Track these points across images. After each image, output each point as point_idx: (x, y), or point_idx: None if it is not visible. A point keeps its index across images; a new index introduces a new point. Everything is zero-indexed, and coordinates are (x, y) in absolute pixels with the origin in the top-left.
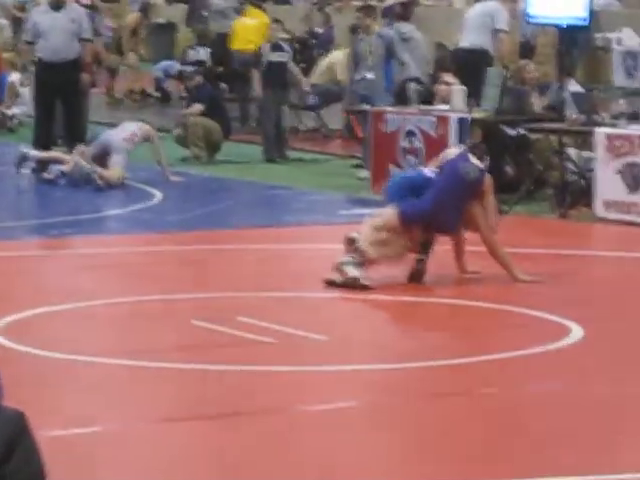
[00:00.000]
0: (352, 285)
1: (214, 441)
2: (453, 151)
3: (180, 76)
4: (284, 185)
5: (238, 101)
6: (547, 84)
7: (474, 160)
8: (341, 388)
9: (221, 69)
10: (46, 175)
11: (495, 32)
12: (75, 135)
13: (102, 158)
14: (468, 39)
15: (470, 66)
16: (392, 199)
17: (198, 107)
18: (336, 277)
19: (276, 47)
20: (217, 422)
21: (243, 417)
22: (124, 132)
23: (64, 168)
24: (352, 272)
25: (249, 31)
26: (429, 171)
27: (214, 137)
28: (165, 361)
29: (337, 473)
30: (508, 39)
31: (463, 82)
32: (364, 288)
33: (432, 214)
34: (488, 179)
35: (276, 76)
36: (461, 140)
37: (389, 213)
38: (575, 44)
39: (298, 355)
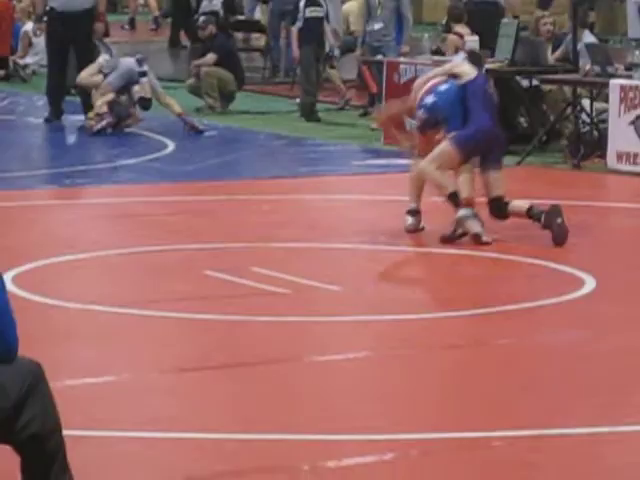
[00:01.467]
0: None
1: (227, 390)
2: (462, 66)
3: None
4: (298, 136)
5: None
6: (562, 35)
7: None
8: (355, 338)
9: (236, 18)
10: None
11: None
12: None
13: (126, 89)
14: None
15: (483, 17)
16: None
17: (211, 57)
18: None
19: (311, 2)
20: (230, 372)
21: (256, 367)
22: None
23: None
24: (475, 228)
25: None
26: (452, 82)
27: (228, 87)
28: (178, 311)
29: (348, 422)
30: None
31: (476, 33)
32: (485, 244)
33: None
34: None
35: (313, 32)
36: None
37: (446, 150)
38: None
39: (311, 305)
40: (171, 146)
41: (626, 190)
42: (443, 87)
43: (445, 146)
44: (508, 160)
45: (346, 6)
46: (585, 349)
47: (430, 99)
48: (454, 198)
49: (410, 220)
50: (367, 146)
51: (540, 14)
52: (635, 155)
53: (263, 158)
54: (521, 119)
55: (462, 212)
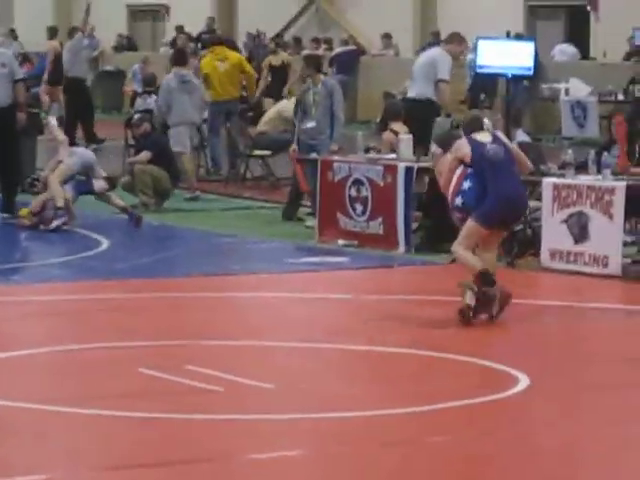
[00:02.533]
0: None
1: None
2: (460, 148)
3: (129, 124)
4: (232, 233)
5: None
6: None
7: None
8: (288, 437)
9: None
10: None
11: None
12: (12, 178)
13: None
14: (414, 89)
15: (417, 115)
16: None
17: (146, 154)
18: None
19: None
20: (163, 470)
21: (189, 465)
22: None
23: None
24: (469, 300)
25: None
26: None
27: (162, 185)
28: (112, 409)
29: None
30: (450, 88)
31: (411, 131)
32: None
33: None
34: None
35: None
36: (407, 189)
37: (472, 227)
38: (521, 94)
39: (245, 403)
40: (105, 243)
41: (559, 288)
42: (466, 185)
43: (470, 224)
44: (441, 258)
45: (280, 104)
46: (518, 447)
47: (459, 200)
48: (484, 276)
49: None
50: (302, 244)
51: (476, 112)
52: (568, 253)
53: (197, 256)
54: (454, 217)
55: (467, 283)
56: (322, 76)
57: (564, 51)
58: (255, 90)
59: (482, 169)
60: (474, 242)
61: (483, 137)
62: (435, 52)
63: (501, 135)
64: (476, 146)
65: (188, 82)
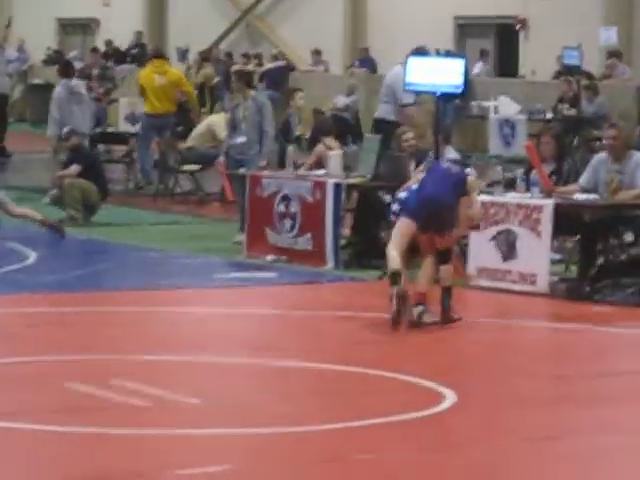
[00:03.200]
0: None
1: None
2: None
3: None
4: (161, 248)
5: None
6: (425, 151)
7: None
8: (214, 452)
9: (100, 130)
10: None
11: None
12: None
13: None
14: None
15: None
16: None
17: (75, 168)
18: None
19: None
20: None
21: None
22: None
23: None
24: (429, 319)
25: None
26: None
27: (91, 198)
28: (35, 423)
29: None
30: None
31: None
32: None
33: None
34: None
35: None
36: (336, 205)
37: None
38: (450, 112)
39: (172, 418)
40: (32, 257)
41: (487, 305)
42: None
43: (397, 222)
44: (369, 275)
45: (209, 119)
46: (442, 463)
47: (396, 207)
48: (391, 276)
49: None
50: (230, 259)
51: (401, 130)
52: (495, 271)
53: (125, 270)
54: (382, 234)
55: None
56: (252, 91)
57: (479, 69)
58: (197, 108)
59: (427, 174)
60: (403, 242)
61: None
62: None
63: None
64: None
65: (77, 93)
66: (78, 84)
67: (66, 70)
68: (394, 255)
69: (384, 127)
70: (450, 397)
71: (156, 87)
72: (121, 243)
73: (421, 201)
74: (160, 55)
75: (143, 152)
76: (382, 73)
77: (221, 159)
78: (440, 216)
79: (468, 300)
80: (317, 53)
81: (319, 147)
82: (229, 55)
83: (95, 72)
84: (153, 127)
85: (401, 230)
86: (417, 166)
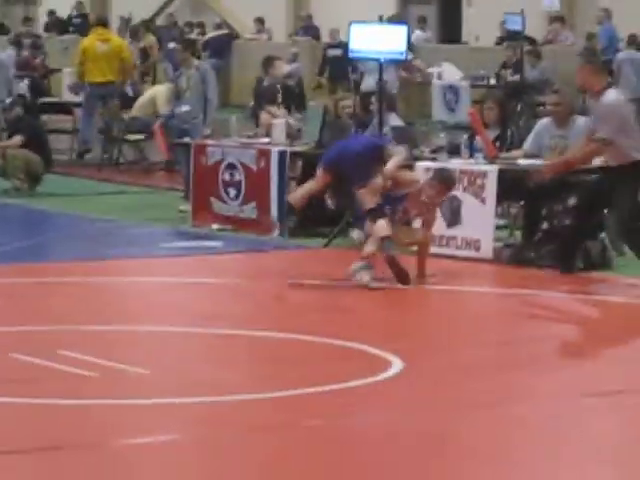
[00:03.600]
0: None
1: (31, 476)
2: None
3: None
4: (106, 218)
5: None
6: (369, 118)
7: None
8: (163, 421)
9: (43, 100)
10: None
11: None
12: None
13: None
14: None
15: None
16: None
17: (17, 139)
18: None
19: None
20: (35, 456)
21: (62, 451)
22: None
23: None
24: (364, 277)
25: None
26: None
27: (34, 169)
28: None
29: None
30: None
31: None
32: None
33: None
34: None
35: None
36: (281, 174)
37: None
38: (394, 79)
39: (119, 388)
40: None
41: (435, 272)
42: None
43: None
44: (315, 242)
45: (154, 89)
46: (392, 431)
47: None
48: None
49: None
50: (175, 228)
51: (339, 96)
52: (441, 237)
53: (70, 241)
54: (328, 201)
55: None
56: (195, 60)
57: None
58: (128, 78)
59: None
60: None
61: None
62: None
63: None
64: None
65: None
66: None
67: None
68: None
69: None
70: (397, 364)
71: (99, 55)
72: (66, 213)
73: (335, 151)
74: (103, 23)
75: (85, 120)
76: (325, 40)
77: (158, 123)
78: (351, 167)
79: (413, 267)
80: (260, 21)
81: (264, 115)
82: (174, 24)
83: (27, 41)
84: (97, 96)
85: (316, 179)
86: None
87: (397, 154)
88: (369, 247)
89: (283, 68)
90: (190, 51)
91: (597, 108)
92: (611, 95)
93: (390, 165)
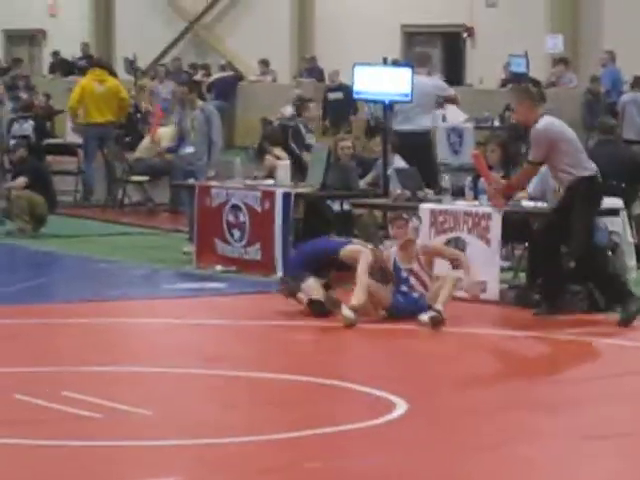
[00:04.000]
0: None
1: None
2: None
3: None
4: (109, 259)
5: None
6: (373, 160)
7: None
8: (165, 463)
9: (47, 141)
10: None
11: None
12: None
13: None
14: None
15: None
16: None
17: (22, 180)
18: None
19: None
20: None
21: None
22: None
23: None
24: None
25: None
26: None
27: (38, 210)
28: None
29: None
30: None
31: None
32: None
33: None
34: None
35: None
36: (285, 215)
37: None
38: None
39: (122, 430)
40: None
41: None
42: None
43: None
44: None
45: (160, 130)
46: (395, 473)
47: None
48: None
49: None
50: (179, 270)
51: (339, 137)
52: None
53: (74, 281)
54: None
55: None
56: (200, 102)
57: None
58: (123, 116)
59: None
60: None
61: None
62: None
63: None
64: None
65: None
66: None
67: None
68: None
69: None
70: (401, 406)
71: (96, 96)
72: (70, 254)
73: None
74: (100, 64)
75: (85, 164)
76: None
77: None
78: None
79: None
80: (264, 63)
81: (268, 158)
82: (179, 69)
83: (21, 84)
84: (94, 137)
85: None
86: (364, 175)
87: (362, 257)
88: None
89: (316, 111)
90: (196, 93)
91: (531, 135)
92: (542, 121)
93: (360, 271)
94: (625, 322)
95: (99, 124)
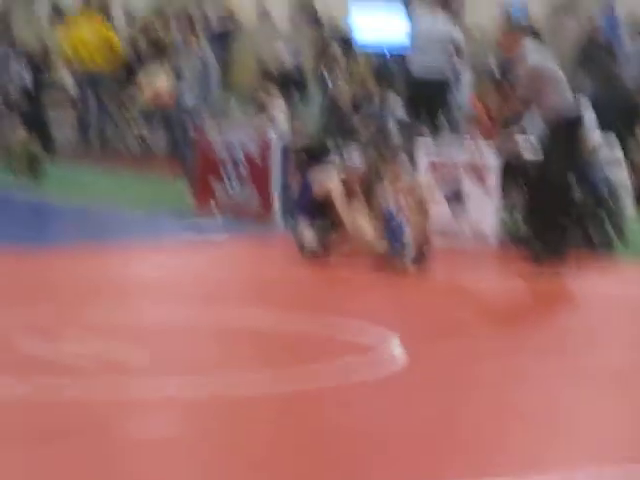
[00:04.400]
0: None
1: (28, 466)
2: None
3: None
4: (107, 206)
5: None
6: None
7: None
8: (165, 415)
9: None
10: None
11: None
12: None
13: None
14: None
15: None
16: None
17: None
18: None
19: None
20: (31, 447)
21: (56, 443)
22: None
23: None
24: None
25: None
26: None
27: (36, 163)
28: None
29: None
30: None
31: None
32: None
33: None
34: None
35: None
36: (284, 167)
37: None
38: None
39: (120, 380)
40: None
41: (436, 261)
42: None
43: None
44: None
45: (161, 77)
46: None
47: None
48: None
49: None
50: (179, 216)
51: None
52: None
53: (72, 228)
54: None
55: None
56: (197, 46)
57: None
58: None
59: None
60: None
61: None
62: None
63: None
64: None
65: None
66: None
67: None
68: None
69: None
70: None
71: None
72: (69, 203)
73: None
74: (96, 10)
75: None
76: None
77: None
78: None
79: None
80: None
81: (259, 94)
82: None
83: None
84: (87, 83)
85: None
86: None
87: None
88: None
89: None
90: (193, 34)
91: (518, 72)
92: (530, 59)
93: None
94: (536, 259)
95: (92, 71)
